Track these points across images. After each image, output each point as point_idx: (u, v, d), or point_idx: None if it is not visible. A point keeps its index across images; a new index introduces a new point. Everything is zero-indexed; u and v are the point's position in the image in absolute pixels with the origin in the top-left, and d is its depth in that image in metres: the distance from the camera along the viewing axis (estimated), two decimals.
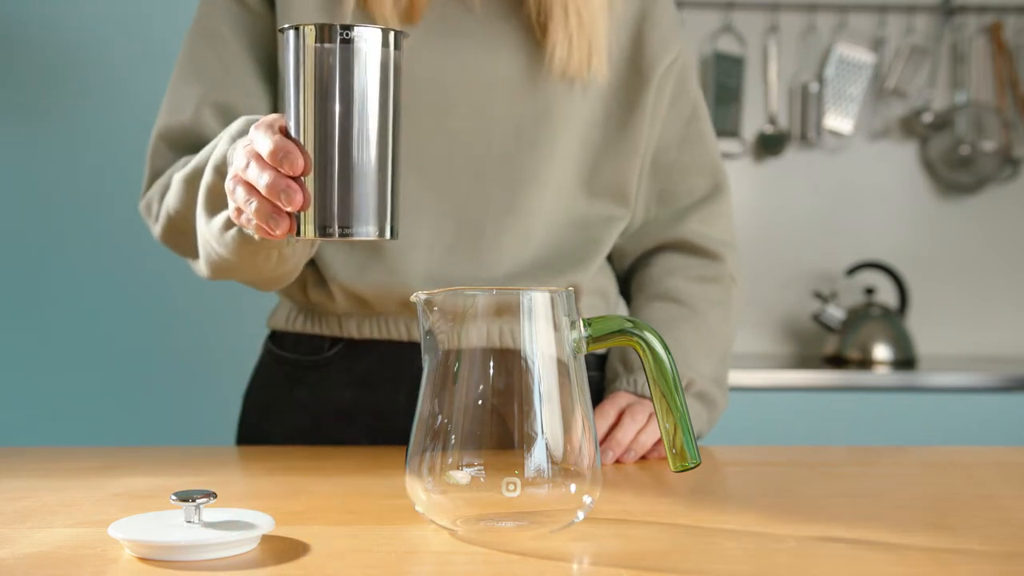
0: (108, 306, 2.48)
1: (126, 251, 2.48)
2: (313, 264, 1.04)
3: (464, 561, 0.62)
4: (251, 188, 0.74)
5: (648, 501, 0.82)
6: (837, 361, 2.58)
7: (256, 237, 0.83)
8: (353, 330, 1.06)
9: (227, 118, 1.00)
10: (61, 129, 2.47)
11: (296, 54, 0.70)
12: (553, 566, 0.61)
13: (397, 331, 1.05)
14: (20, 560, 0.62)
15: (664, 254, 1.13)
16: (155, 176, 1.03)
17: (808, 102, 2.78)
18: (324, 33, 0.70)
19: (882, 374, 2.40)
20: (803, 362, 2.63)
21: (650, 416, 0.99)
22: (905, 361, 2.56)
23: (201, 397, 2.43)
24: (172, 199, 0.96)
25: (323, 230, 0.71)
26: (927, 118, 2.78)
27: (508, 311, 0.67)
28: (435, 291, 0.68)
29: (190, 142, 1.01)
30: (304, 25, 0.70)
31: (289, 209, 0.72)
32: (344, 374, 1.07)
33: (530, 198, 1.04)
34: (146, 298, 2.49)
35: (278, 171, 0.71)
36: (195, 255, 0.97)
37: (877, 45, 2.80)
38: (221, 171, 0.85)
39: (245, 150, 0.75)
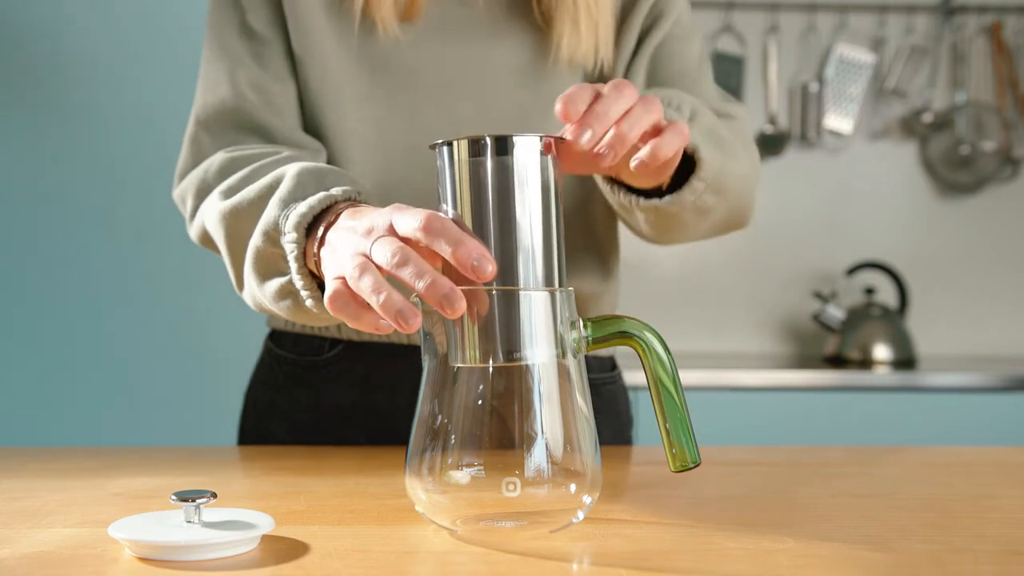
0: (108, 305, 2.48)
1: (127, 251, 2.48)
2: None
3: (464, 561, 0.62)
4: (379, 280, 0.66)
5: (648, 501, 0.82)
6: (837, 361, 2.58)
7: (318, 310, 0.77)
8: (352, 332, 1.06)
9: (263, 95, 0.99)
10: (66, 129, 2.47)
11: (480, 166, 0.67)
12: (553, 566, 0.61)
13: (396, 334, 1.05)
14: (20, 560, 0.62)
15: None
16: (194, 163, 0.99)
17: (808, 102, 2.78)
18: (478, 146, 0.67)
19: (882, 374, 2.40)
20: (803, 362, 2.63)
21: (646, 100, 0.76)
22: (905, 361, 2.56)
23: (201, 397, 2.43)
24: (212, 224, 0.90)
25: (485, 356, 0.66)
26: (927, 118, 2.78)
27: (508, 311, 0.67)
28: None
29: (232, 120, 0.98)
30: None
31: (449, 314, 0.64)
32: (343, 376, 1.07)
33: None
34: (147, 297, 2.49)
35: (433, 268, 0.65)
36: (231, 266, 0.91)
37: (877, 45, 2.80)
38: (272, 237, 0.80)
39: (387, 240, 0.67)
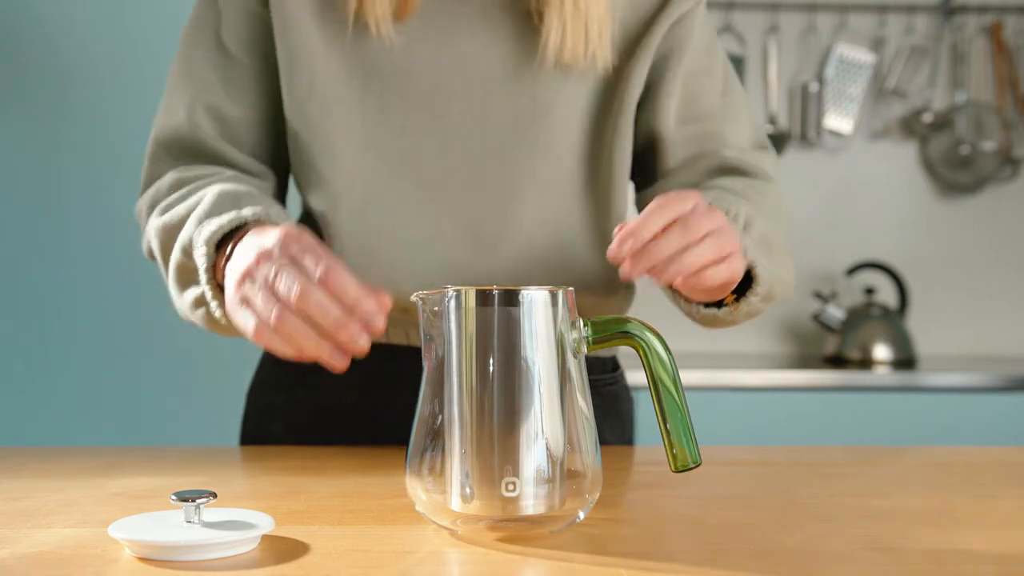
0: (109, 305, 2.48)
1: (126, 250, 2.48)
2: None
3: (464, 561, 0.62)
4: (299, 318, 0.73)
5: (648, 501, 0.82)
6: (837, 361, 2.58)
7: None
8: None
9: (219, 122, 1.02)
10: (65, 129, 2.47)
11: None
12: (553, 566, 0.61)
13: (396, 336, 1.05)
14: (20, 560, 0.62)
15: (707, 180, 1.08)
16: (151, 181, 1.04)
17: (808, 102, 2.78)
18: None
19: (882, 374, 2.40)
20: (803, 362, 2.63)
21: (711, 233, 0.80)
22: (905, 361, 2.56)
23: (201, 397, 2.43)
24: (152, 238, 0.97)
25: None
26: (927, 118, 2.78)
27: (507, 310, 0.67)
28: (434, 291, 0.68)
29: (186, 147, 1.02)
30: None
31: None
32: (344, 377, 1.07)
33: (528, 198, 1.03)
34: (146, 297, 2.48)
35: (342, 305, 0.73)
36: (166, 278, 0.98)
37: (877, 45, 2.80)
38: (187, 251, 0.89)
39: (291, 272, 0.74)
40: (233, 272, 0.79)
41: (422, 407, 0.69)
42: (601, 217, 1.07)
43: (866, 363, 2.54)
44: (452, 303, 0.67)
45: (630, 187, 1.10)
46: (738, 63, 2.76)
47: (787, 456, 1.06)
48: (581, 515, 0.68)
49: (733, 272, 0.84)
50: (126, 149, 2.46)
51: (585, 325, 0.69)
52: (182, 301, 0.92)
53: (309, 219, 1.06)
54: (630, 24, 1.04)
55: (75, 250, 2.47)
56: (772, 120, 2.78)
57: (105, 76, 2.47)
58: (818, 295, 2.67)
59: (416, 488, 0.68)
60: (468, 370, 0.66)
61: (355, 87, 1.00)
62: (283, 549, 0.64)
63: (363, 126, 1.01)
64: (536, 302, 0.67)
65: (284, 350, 0.75)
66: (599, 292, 1.07)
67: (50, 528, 0.69)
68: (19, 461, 0.96)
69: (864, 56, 2.78)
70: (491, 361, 0.66)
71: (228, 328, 0.88)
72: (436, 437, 0.67)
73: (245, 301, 0.76)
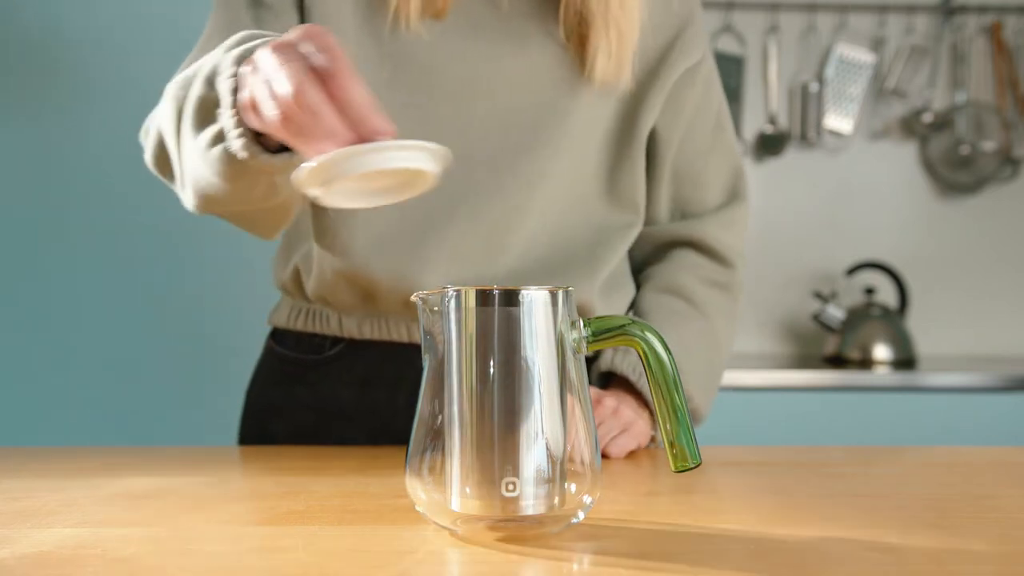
0: (109, 304, 2.48)
1: (127, 249, 2.48)
2: (318, 256, 1.04)
3: (464, 561, 0.62)
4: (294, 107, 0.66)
5: (648, 501, 0.82)
6: (837, 361, 2.59)
7: (245, 155, 0.76)
8: (354, 330, 1.06)
9: None
10: (63, 128, 2.47)
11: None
12: (553, 566, 0.61)
13: (398, 332, 1.05)
14: (20, 560, 0.62)
15: (679, 250, 1.16)
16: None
17: (808, 102, 2.78)
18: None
19: (882, 374, 2.40)
20: (803, 362, 2.63)
21: (629, 424, 1.01)
22: (905, 361, 2.56)
23: (201, 397, 2.43)
24: (162, 114, 0.88)
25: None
26: (927, 118, 2.78)
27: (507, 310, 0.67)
28: (433, 291, 0.68)
29: None
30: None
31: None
32: (345, 374, 1.07)
33: (541, 198, 1.03)
34: (147, 296, 2.49)
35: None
36: (181, 180, 0.90)
37: (877, 45, 2.80)
38: (211, 81, 0.79)
39: (296, 67, 0.66)
40: (248, 67, 0.71)
41: (422, 407, 0.69)
42: (611, 222, 1.09)
43: (866, 363, 2.54)
44: (452, 303, 0.67)
45: (643, 195, 1.12)
46: (738, 63, 2.76)
47: (787, 456, 1.06)
48: (581, 515, 0.68)
49: (637, 440, 1.02)
50: (130, 149, 2.47)
51: (585, 325, 0.69)
52: (196, 146, 0.81)
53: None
54: (649, 53, 1.07)
55: (76, 250, 2.47)
56: (772, 120, 2.78)
57: (111, 75, 2.46)
58: (818, 295, 2.67)
59: (416, 488, 0.68)
60: (468, 370, 0.66)
61: (386, 74, 1.01)
62: (283, 549, 0.64)
63: (389, 115, 1.01)
64: (536, 302, 0.67)
65: (297, 145, 0.69)
66: (592, 291, 1.09)
67: (50, 528, 0.69)
68: (19, 461, 0.96)
69: (864, 56, 2.78)
70: (491, 361, 0.66)
71: (243, 169, 0.79)
72: (436, 437, 0.67)
73: (252, 95, 0.70)
